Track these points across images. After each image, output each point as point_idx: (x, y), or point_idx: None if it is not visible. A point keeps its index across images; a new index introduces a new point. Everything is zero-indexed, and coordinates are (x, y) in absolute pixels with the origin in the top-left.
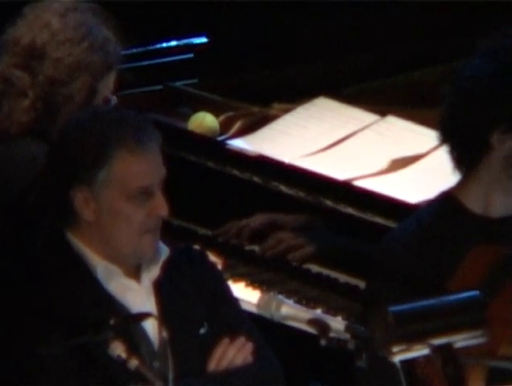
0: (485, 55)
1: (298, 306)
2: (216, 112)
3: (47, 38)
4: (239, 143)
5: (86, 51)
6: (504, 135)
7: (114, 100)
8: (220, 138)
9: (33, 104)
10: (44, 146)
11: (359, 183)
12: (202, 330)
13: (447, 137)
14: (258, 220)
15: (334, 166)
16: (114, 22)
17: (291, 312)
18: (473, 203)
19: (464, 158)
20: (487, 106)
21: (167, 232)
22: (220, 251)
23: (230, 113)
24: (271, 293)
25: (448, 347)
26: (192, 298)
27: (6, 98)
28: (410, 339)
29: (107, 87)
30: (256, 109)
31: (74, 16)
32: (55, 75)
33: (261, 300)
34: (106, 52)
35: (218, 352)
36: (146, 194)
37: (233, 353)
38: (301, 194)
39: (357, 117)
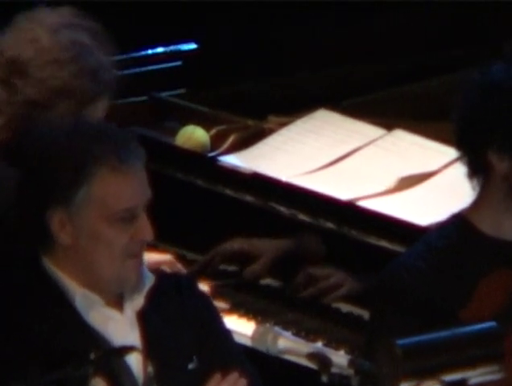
0: (490, 67)
1: (296, 339)
2: (206, 126)
3: (32, 54)
4: (232, 159)
5: (73, 75)
6: (501, 154)
7: None
8: (211, 154)
9: (7, 123)
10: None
11: (363, 204)
12: (191, 365)
13: (460, 153)
14: (235, 245)
15: (336, 185)
16: (112, 46)
17: (289, 345)
18: (486, 225)
19: (472, 177)
20: (483, 121)
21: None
22: (211, 278)
23: (222, 127)
24: (267, 325)
25: (461, 384)
26: (179, 330)
27: None
28: (420, 375)
29: (94, 116)
30: (250, 123)
31: (67, 34)
32: (35, 97)
33: (256, 332)
34: (96, 79)
35: None
36: (129, 216)
37: None
38: (300, 215)
39: (360, 131)
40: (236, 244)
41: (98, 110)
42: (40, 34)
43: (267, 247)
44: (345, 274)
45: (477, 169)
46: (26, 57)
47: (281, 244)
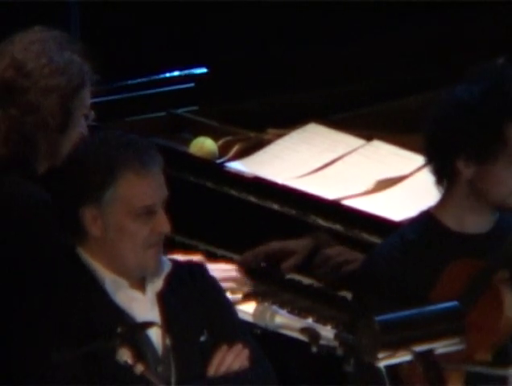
0: (455, 87)
1: (291, 316)
2: (215, 137)
3: (13, 72)
4: (236, 165)
5: (49, 77)
6: (467, 161)
7: (92, 115)
8: (218, 161)
9: (7, 136)
10: (26, 185)
11: (347, 202)
12: (202, 338)
13: (427, 160)
14: (272, 247)
15: (324, 187)
16: (80, 46)
17: (285, 321)
18: (450, 220)
19: (439, 180)
20: (451, 134)
21: (170, 247)
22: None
23: (228, 138)
24: (266, 304)
25: (429, 353)
26: (192, 308)
27: None
28: (395, 346)
29: (82, 105)
30: (252, 134)
31: (35, 47)
32: (24, 105)
33: (256, 310)
34: (70, 74)
35: (217, 358)
36: (149, 212)
37: (231, 359)
38: (293, 212)
39: (345, 141)
40: (274, 244)
41: (84, 100)
42: (14, 54)
43: (298, 246)
44: (354, 252)
45: (444, 173)
46: (8, 75)
47: (307, 244)
